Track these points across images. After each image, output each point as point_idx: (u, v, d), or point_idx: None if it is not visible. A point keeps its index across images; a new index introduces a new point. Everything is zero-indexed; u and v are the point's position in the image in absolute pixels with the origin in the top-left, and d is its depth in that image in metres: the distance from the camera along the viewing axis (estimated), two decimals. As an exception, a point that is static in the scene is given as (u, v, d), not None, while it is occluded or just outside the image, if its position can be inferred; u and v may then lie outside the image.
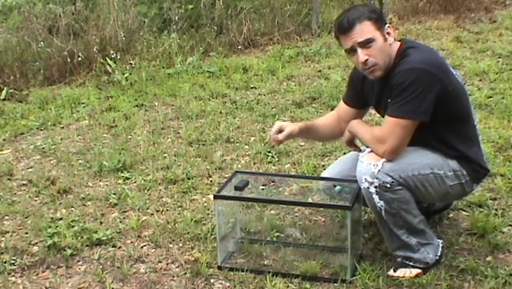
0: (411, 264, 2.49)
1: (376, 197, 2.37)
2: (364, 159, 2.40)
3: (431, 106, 2.33)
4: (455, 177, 2.45)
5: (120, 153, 3.85)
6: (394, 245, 2.51)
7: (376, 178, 2.35)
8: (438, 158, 2.43)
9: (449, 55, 5.57)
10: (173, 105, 4.81)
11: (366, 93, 2.62)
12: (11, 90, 5.16)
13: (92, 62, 5.52)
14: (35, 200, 3.35)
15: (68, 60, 5.47)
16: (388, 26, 2.44)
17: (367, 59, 2.39)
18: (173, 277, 2.61)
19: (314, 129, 2.76)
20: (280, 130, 2.61)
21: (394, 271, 2.50)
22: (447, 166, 2.43)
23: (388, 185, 2.34)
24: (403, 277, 2.47)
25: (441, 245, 2.55)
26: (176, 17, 6.29)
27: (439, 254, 2.53)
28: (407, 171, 2.36)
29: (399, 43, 2.47)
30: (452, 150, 2.45)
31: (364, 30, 2.37)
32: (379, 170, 2.35)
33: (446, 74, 2.40)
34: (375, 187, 2.36)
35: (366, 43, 2.38)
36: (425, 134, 2.40)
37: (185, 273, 2.62)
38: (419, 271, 2.49)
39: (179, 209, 3.18)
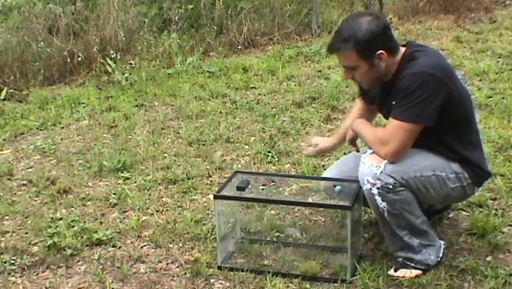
0: (412, 265, 2.49)
1: (378, 199, 2.37)
2: (366, 161, 2.40)
3: (436, 111, 2.33)
4: (456, 180, 2.45)
5: (120, 153, 3.85)
6: (395, 246, 2.51)
7: (378, 179, 2.35)
8: (440, 160, 2.43)
9: (449, 55, 5.56)
10: (173, 105, 4.80)
11: (372, 91, 2.63)
12: (11, 90, 5.15)
13: (92, 62, 5.52)
14: (35, 200, 3.35)
15: (68, 60, 5.46)
16: (382, 53, 2.38)
17: (352, 78, 2.50)
18: (173, 277, 2.61)
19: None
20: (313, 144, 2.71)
21: (395, 271, 2.50)
22: (449, 168, 2.43)
23: (391, 186, 2.34)
24: (403, 277, 2.47)
25: (443, 246, 2.56)
26: (176, 17, 6.28)
27: (440, 255, 2.53)
28: (409, 172, 2.36)
29: (403, 48, 2.46)
30: (454, 153, 2.45)
31: (348, 58, 2.42)
32: (381, 172, 2.34)
33: (452, 79, 2.40)
34: (377, 188, 2.36)
35: (350, 68, 2.46)
36: (427, 137, 2.39)
37: (185, 273, 2.62)
38: (419, 272, 2.49)
39: (179, 209, 3.18)
